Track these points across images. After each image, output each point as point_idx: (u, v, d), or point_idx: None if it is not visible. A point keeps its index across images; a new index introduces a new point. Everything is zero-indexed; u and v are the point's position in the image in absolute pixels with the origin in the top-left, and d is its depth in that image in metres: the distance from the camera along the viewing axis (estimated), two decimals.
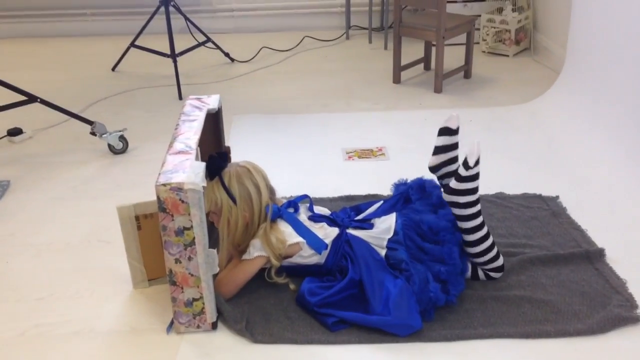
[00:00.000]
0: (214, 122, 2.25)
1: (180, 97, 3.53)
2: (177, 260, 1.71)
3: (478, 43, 4.21)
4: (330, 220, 2.02)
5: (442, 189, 2.00)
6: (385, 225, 1.95)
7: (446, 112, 3.36)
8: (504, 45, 4.10)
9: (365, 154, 2.86)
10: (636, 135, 2.61)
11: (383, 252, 1.92)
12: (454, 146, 2.03)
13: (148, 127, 3.18)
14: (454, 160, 2.04)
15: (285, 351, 1.73)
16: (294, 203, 2.04)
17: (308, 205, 2.07)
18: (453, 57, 3.84)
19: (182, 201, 1.64)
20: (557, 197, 2.45)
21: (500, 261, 1.96)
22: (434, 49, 3.76)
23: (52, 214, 2.43)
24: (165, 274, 1.97)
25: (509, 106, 3.33)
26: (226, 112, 3.31)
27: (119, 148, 2.89)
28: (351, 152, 2.87)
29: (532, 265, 2.04)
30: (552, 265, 2.03)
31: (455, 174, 1.93)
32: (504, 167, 2.69)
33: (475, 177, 1.89)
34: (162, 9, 3.59)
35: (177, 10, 3.78)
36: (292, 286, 1.95)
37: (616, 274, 1.98)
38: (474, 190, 1.90)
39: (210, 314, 1.79)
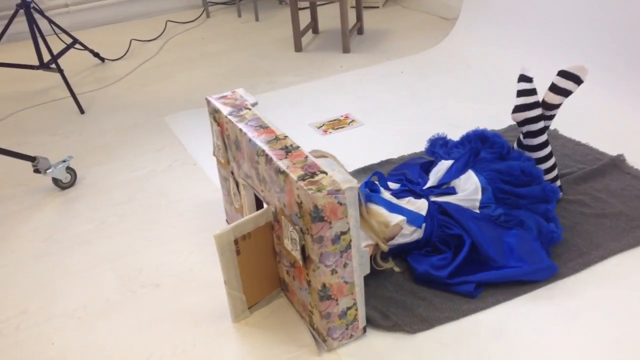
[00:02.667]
0: None
1: (82, 111, 3.05)
2: (333, 271, 1.52)
3: None
4: (412, 193, 1.94)
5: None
6: (471, 186, 1.92)
7: (372, 69, 3.43)
8: None
9: (336, 124, 2.76)
10: (568, 41, 2.88)
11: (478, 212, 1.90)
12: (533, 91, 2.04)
13: (72, 150, 2.71)
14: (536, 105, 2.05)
15: (448, 331, 1.65)
16: (370, 183, 1.92)
17: (379, 182, 1.96)
18: (330, 16, 3.84)
19: (340, 203, 1.45)
20: None
21: (558, 181, 2.07)
22: (320, 11, 3.72)
23: (52, 275, 1.98)
24: (264, 295, 1.77)
25: (422, 52, 3.44)
26: (146, 116, 2.96)
27: (67, 181, 2.43)
28: (321, 126, 2.75)
29: (577, 184, 2.17)
30: (593, 180, 2.19)
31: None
32: (470, 109, 2.79)
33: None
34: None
35: (40, 14, 3.23)
36: (397, 269, 1.85)
37: None
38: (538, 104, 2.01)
39: (362, 319, 1.63)
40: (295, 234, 1.54)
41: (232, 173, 1.88)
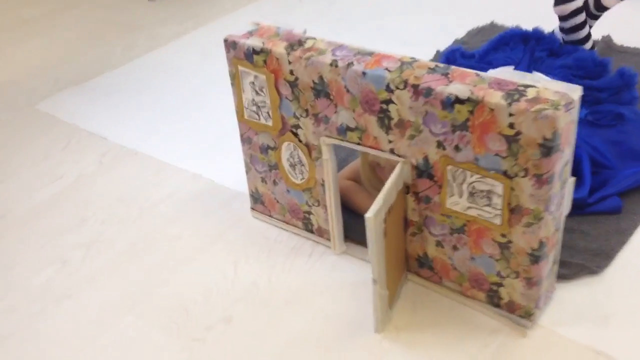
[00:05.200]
0: None
1: None
2: (553, 219, 1.11)
3: None
4: None
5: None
6: None
7: (262, 4, 2.85)
8: None
9: None
10: None
11: None
12: None
13: None
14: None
15: (628, 258, 1.35)
16: None
17: None
18: None
19: (572, 121, 1.03)
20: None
21: None
22: None
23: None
24: (397, 285, 1.30)
25: None
26: (9, 109, 2.13)
27: None
28: None
29: None
30: None
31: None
32: (414, 23, 2.45)
33: None
34: None
35: None
36: None
37: None
38: None
39: (556, 272, 1.25)
40: (491, 182, 1.09)
41: (296, 134, 1.32)
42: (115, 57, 2.43)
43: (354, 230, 1.43)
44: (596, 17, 1.83)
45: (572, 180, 1.15)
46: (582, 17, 1.76)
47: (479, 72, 1.10)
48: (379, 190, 1.43)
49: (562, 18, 1.76)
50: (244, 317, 1.30)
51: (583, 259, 1.34)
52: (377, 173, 1.39)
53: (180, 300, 1.35)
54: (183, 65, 2.32)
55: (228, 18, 2.66)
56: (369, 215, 1.09)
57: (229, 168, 1.72)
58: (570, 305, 1.25)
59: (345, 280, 1.36)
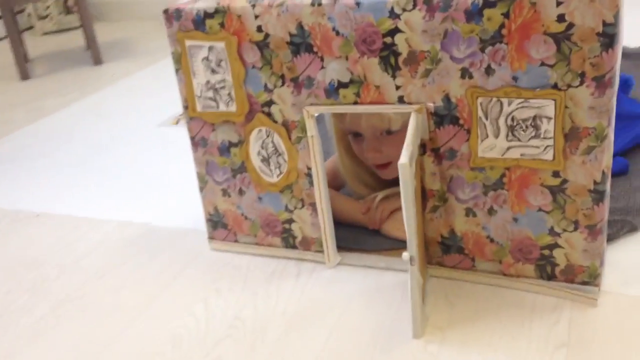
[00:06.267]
0: None
1: None
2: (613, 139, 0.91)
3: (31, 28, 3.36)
4: None
5: None
6: None
7: (154, 70, 2.60)
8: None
9: None
10: None
11: None
12: None
13: None
14: None
15: None
16: None
17: None
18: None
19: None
20: None
21: None
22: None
23: None
24: (425, 274, 1.04)
25: None
26: None
27: None
28: (177, 121, 1.94)
29: None
30: None
31: None
32: None
33: None
34: None
35: None
36: None
37: None
38: None
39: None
40: (539, 102, 0.88)
41: (269, 114, 1.06)
42: (6, 129, 2.06)
43: (343, 238, 1.16)
44: None
45: None
46: None
47: None
48: (365, 183, 1.21)
49: None
50: (236, 355, 0.96)
51: (619, 216, 1.16)
52: (356, 155, 1.16)
53: (142, 357, 0.99)
54: (73, 130, 2.00)
55: (117, 85, 2.39)
56: (403, 161, 0.83)
57: (165, 209, 1.42)
58: (626, 265, 1.05)
59: (350, 291, 1.07)
